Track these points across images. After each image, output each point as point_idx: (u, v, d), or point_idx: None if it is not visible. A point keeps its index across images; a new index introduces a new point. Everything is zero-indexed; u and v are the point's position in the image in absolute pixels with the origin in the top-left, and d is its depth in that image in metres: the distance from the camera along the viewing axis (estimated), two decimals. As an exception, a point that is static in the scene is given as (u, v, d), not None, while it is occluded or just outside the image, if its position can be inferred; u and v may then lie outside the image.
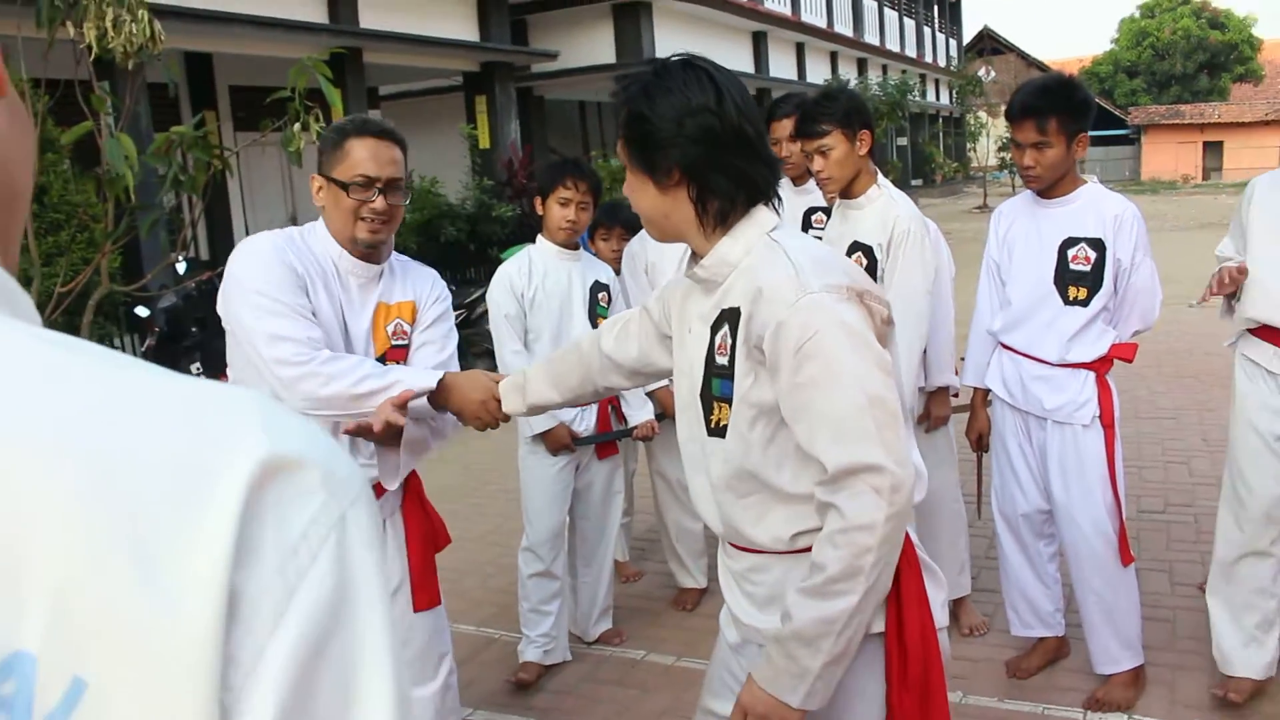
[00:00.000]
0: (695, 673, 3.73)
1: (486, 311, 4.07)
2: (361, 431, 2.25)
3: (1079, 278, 3.30)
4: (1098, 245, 3.27)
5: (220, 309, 2.39)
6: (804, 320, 1.66)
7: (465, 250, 12.08)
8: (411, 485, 2.69)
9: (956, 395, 3.98)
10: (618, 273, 4.21)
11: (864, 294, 1.73)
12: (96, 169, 5.80)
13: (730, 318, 1.79)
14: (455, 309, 8.50)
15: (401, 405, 2.24)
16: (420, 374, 2.35)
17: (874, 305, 1.74)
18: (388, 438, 2.29)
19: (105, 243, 6.03)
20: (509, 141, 13.59)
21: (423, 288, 2.62)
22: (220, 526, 0.46)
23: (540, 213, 3.84)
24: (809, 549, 1.75)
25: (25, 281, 6.09)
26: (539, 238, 3.89)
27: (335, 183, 2.38)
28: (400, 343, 2.53)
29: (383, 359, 2.48)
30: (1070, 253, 3.31)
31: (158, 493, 0.46)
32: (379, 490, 2.51)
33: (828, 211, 4.13)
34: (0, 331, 0.50)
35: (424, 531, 2.68)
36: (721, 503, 1.86)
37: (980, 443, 3.74)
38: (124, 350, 7.84)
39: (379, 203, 2.39)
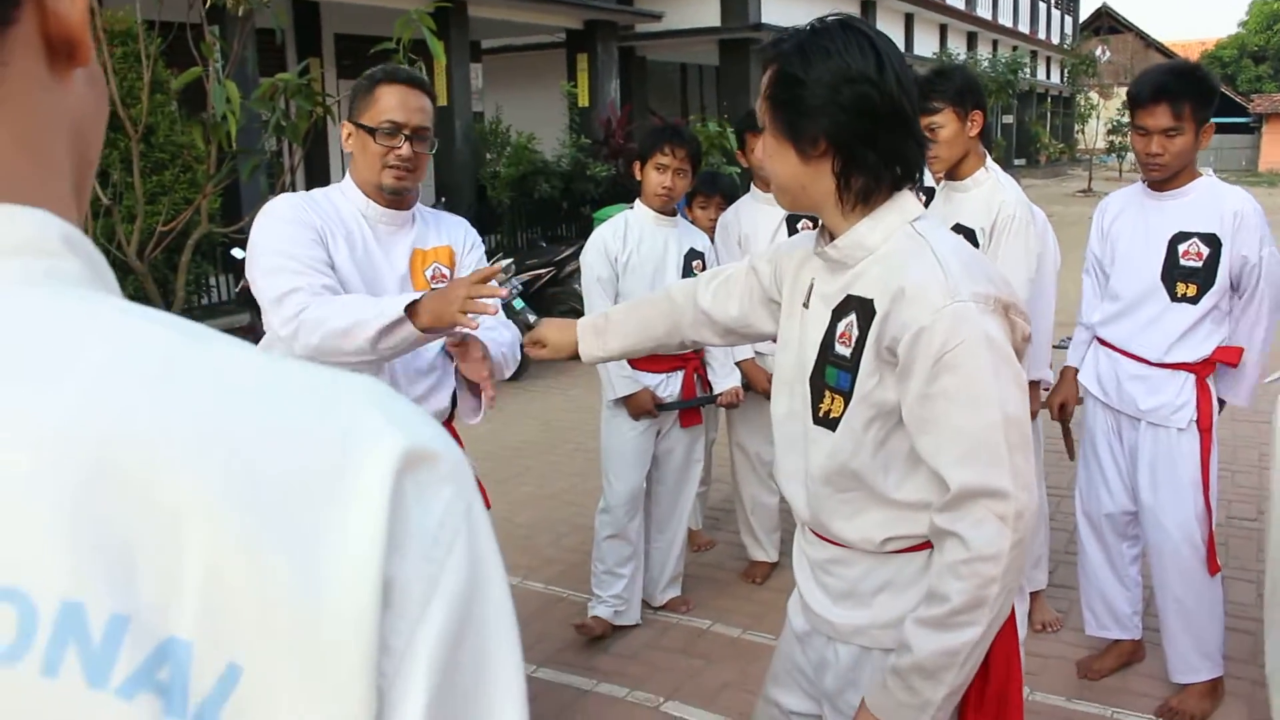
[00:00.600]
0: (761, 646, 3.73)
1: (576, 270, 4.10)
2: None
3: (1189, 274, 3.18)
4: (1211, 241, 3.14)
5: (247, 276, 2.43)
6: (948, 328, 1.56)
7: (558, 207, 12.13)
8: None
9: (1049, 390, 3.89)
10: (712, 241, 4.19)
11: (1010, 307, 1.63)
12: (202, 113, 5.93)
13: (860, 309, 1.68)
14: (544, 266, 8.60)
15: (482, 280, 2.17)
16: (389, 302, 2.24)
17: (1017, 320, 1.65)
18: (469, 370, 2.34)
19: (207, 184, 6.16)
20: (608, 101, 13.56)
21: (457, 234, 2.66)
22: (370, 515, 0.47)
23: (638, 177, 3.83)
24: (896, 552, 1.72)
25: (129, 218, 6.26)
26: (636, 202, 3.88)
27: (363, 128, 2.42)
28: (440, 285, 2.51)
29: None
30: (1181, 248, 3.18)
31: (301, 483, 0.47)
32: None
33: (813, 217, 4.05)
34: (110, 315, 0.51)
35: None
36: (815, 493, 1.80)
37: (1063, 411, 3.63)
38: (219, 289, 8.04)
39: (405, 149, 2.42)
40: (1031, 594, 3.84)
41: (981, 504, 1.57)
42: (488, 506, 2.54)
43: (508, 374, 2.55)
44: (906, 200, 1.72)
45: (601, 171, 12.09)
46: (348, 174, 2.54)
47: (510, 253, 9.87)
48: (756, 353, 4.16)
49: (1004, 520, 1.56)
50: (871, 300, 1.66)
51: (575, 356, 2.25)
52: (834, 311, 1.74)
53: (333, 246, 2.40)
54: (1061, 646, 3.74)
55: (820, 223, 1.80)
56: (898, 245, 1.68)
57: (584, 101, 13.60)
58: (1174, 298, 3.20)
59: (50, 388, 0.46)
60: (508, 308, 2.39)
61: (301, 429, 0.49)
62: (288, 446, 0.48)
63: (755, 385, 4.09)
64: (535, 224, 11.93)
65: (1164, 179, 3.20)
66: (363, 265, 2.46)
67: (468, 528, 0.51)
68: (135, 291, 6.56)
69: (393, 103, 2.41)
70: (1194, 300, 3.17)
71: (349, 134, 2.48)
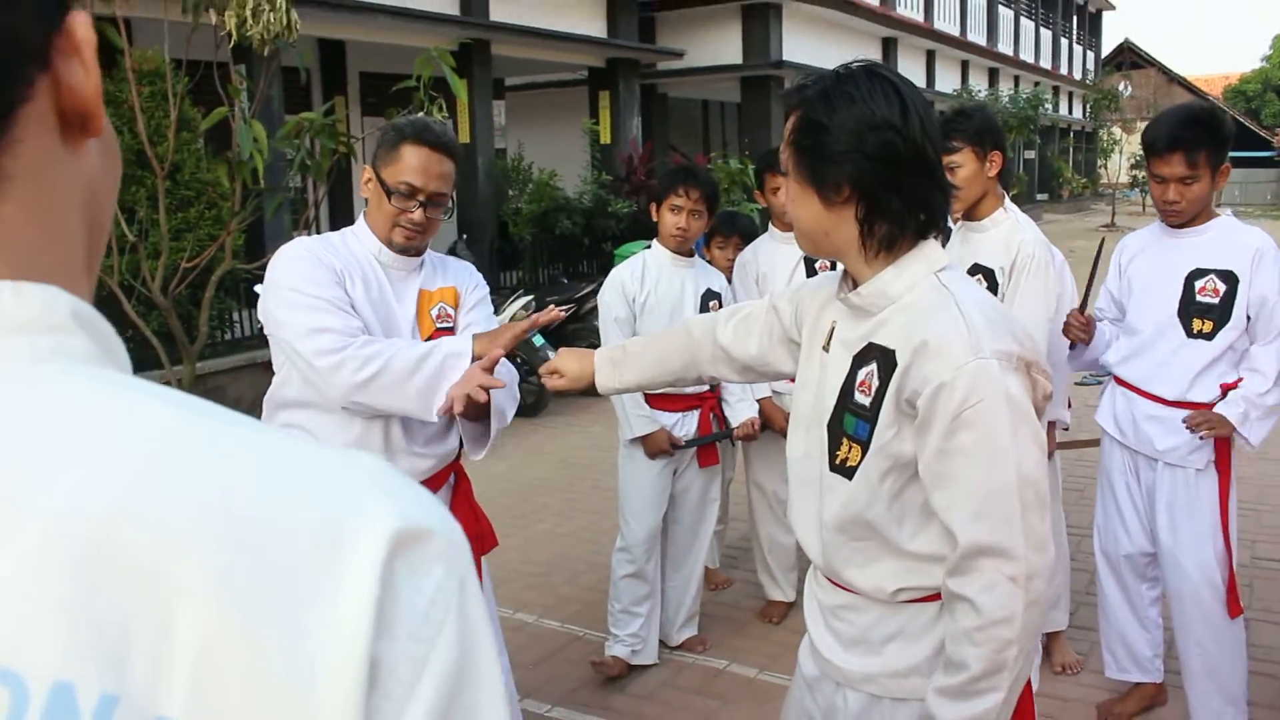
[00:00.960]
0: (777, 687, 3.70)
1: (596, 307, 4.12)
2: (460, 408, 2.32)
3: (1205, 310, 3.16)
4: (1228, 278, 3.13)
5: (260, 315, 2.47)
6: (969, 385, 1.55)
7: (579, 244, 12.18)
8: (460, 486, 2.75)
9: (1067, 429, 3.88)
10: (730, 281, 4.20)
11: (1032, 365, 1.62)
12: (228, 152, 6.01)
13: (882, 359, 1.67)
14: (565, 303, 8.66)
15: (489, 368, 2.31)
16: (455, 340, 2.42)
17: (1039, 378, 1.64)
18: (472, 410, 2.36)
19: (231, 221, 6.24)
20: (630, 138, 13.65)
21: (463, 276, 2.69)
22: (359, 596, 0.47)
23: (655, 218, 3.85)
24: (908, 601, 1.71)
25: (154, 254, 6.33)
26: (654, 242, 3.90)
27: (382, 184, 2.45)
28: (445, 325, 2.58)
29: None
30: (1198, 284, 3.17)
31: (295, 563, 0.47)
32: (433, 487, 2.58)
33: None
34: (116, 392, 0.51)
35: (473, 534, 2.72)
36: (828, 540, 1.79)
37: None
38: (242, 324, 8.11)
39: (417, 214, 2.44)
40: (1051, 635, 3.81)
41: (991, 564, 1.56)
42: (494, 545, 2.57)
43: (508, 417, 2.58)
44: (931, 249, 1.71)
45: (623, 208, 12.15)
46: (362, 217, 2.57)
47: (531, 289, 9.91)
48: (774, 391, 4.16)
49: (1015, 582, 1.55)
50: (894, 351, 1.65)
51: (593, 387, 2.26)
52: (855, 358, 1.73)
53: (350, 286, 2.43)
54: (1081, 689, 3.70)
55: (843, 268, 1.80)
56: (922, 296, 1.67)
57: (606, 138, 13.68)
58: (1190, 333, 3.18)
59: (55, 468, 0.47)
60: (526, 344, 2.44)
61: (301, 510, 0.49)
62: (286, 528, 0.48)
63: (772, 424, 4.08)
64: (556, 260, 11.98)
65: (1181, 223, 3.20)
66: (378, 306, 2.49)
67: (459, 606, 0.51)
68: (159, 327, 6.63)
69: (414, 164, 2.42)
70: (1209, 336, 3.16)
71: (368, 179, 2.50)
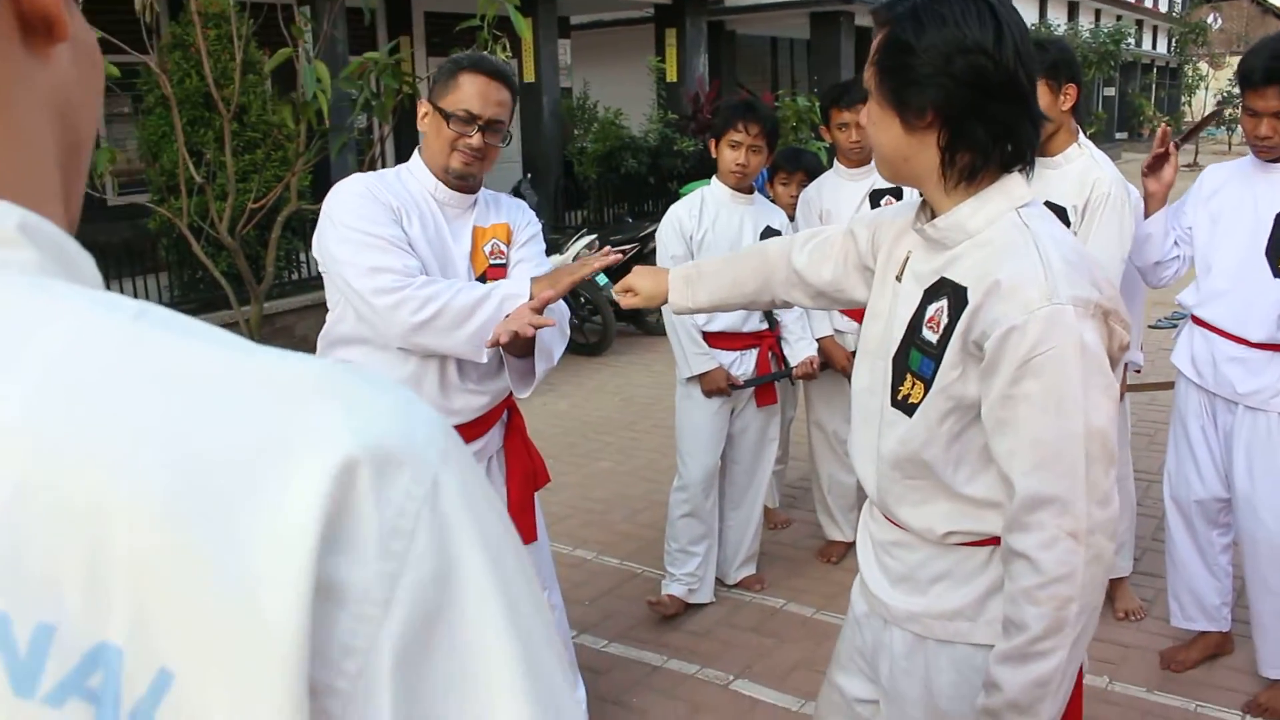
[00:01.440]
0: (833, 627, 3.70)
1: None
2: (504, 348, 2.36)
3: None
4: None
5: (315, 250, 2.48)
6: (1041, 331, 1.48)
7: (645, 183, 12.11)
8: (514, 422, 2.78)
9: (1139, 372, 3.78)
10: (793, 219, 4.14)
11: (1110, 314, 1.54)
12: (292, 93, 6.05)
13: (953, 294, 1.60)
14: (630, 241, 8.65)
15: (540, 309, 2.32)
16: (513, 281, 2.46)
17: (1116, 327, 1.55)
18: (518, 347, 2.39)
19: (297, 162, 6.28)
20: (696, 76, 13.48)
21: (515, 213, 2.71)
22: (304, 516, 0.45)
23: (714, 155, 3.79)
24: (958, 545, 1.68)
25: (221, 196, 6.42)
26: (713, 179, 3.85)
27: (440, 111, 2.46)
28: (498, 261, 2.61)
29: (483, 278, 2.56)
30: None
31: (239, 482, 0.45)
32: (481, 428, 2.61)
33: (896, 194, 3.96)
34: (66, 306, 0.49)
35: (525, 470, 2.76)
36: (884, 475, 1.75)
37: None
38: (309, 264, 8.21)
39: (476, 139, 2.46)
40: (1115, 580, 3.74)
41: (1051, 518, 1.50)
42: (546, 481, 2.60)
43: (555, 357, 2.60)
44: (1015, 183, 1.63)
45: (689, 147, 12.04)
46: (416, 154, 2.58)
47: (596, 228, 9.88)
48: (836, 330, 4.11)
49: (1075, 537, 1.49)
50: (965, 289, 1.58)
51: (664, 304, 2.23)
52: (926, 292, 1.67)
53: (407, 224, 2.44)
54: (1144, 636, 3.64)
55: (921, 198, 1.74)
56: (1000, 233, 1.59)
57: (672, 77, 13.54)
58: (1276, 273, 3.06)
59: None
60: (591, 284, 2.43)
61: (249, 423, 0.47)
62: (231, 442, 0.46)
63: (834, 363, 4.04)
64: (621, 200, 11.94)
65: (1275, 158, 3.07)
66: (434, 244, 2.50)
67: (432, 513, 0.48)
68: (228, 267, 6.73)
69: (472, 91, 2.44)
70: None
71: (425, 114, 2.51)
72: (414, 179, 2.54)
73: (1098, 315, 1.52)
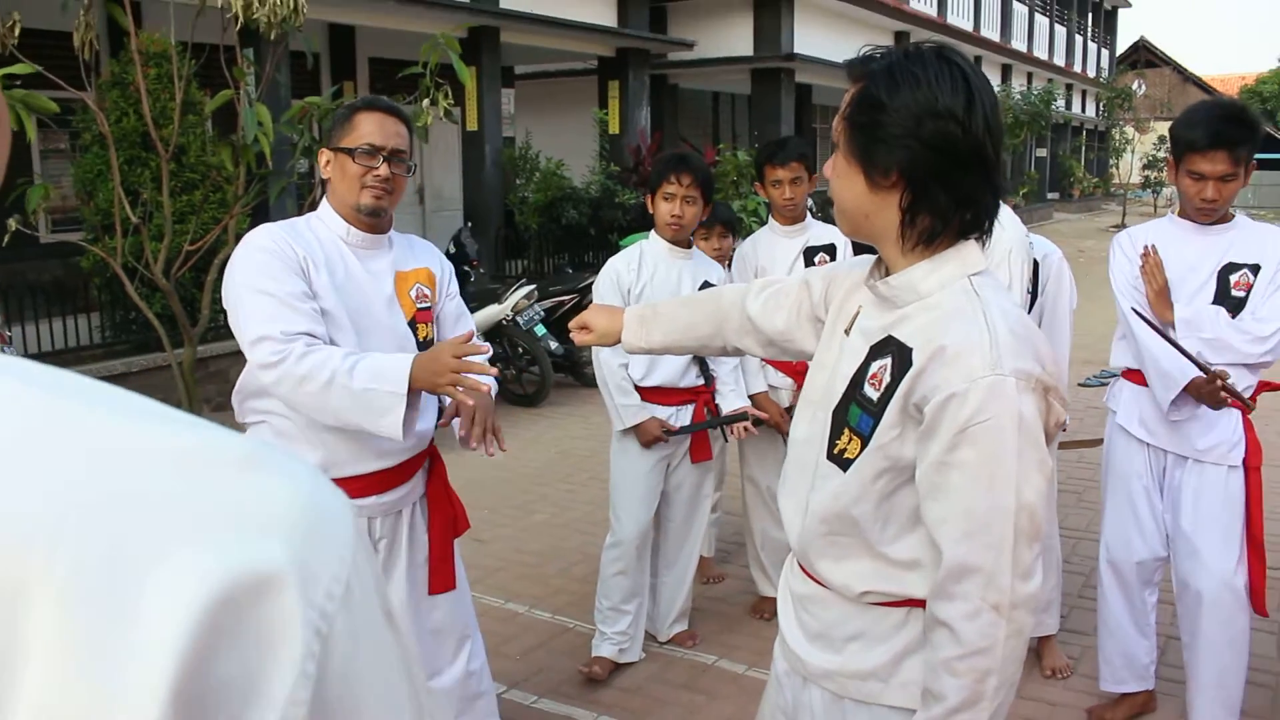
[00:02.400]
0: (764, 683, 3.68)
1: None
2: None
3: (1239, 304, 3.14)
4: (1256, 271, 3.13)
5: (225, 305, 2.49)
6: (981, 400, 1.49)
7: (585, 234, 12.17)
8: (436, 469, 2.78)
9: (1064, 429, 3.85)
10: (729, 270, 4.18)
11: (1050, 389, 1.55)
12: (233, 135, 6.01)
13: (898, 354, 1.61)
14: (568, 293, 8.63)
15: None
16: (395, 372, 2.33)
17: (1055, 404, 1.56)
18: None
19: (235, 205, 6.23)
20: (638, 128, 13.62)
21: (431, 258, 2.76)
22: (203, 591, 0.44)
23: (651, 210, 3.83)
24: (873, 605, 1.69)
25: (158, 236, 6.34)
26: (651, 233, 3.88)
27: (343, 151, 2.51)
28: (424, 305, 2.66)
29: (413, 323, 2.61)
30: (1232, 278, 3.15)
31: (142, 553, 0.45)
32: (405, 473, 2.63)
33: (830, 251, 4.06)
34: None
35: (447, 517, 2.77)
36: (809, 528, 1.76)
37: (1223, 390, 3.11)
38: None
39: (383, 169, 2.52)
40: (1042, 639, 3.79)
41: (975, 589, 1.51)
42: (465, 528, 2.60)
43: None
44: (970, 250, 1.64)
45: (630, 199, 12.13)
46: (324, 202, 2.61)
47: (535, 278, 9.90)
48: (770, 386, 4.15)
49: (998, 610, 1.50)
50: (911, 349, 1.59)
51: (616, 343, 2.23)
52: (872, 349, 1.67)
53: (314, 274, 2.44)
54: (1071, 694, 3.68)
55: (877, 255, 1.74)
56: (950, 298, 1.60)
57: (615, 129, 13.67)
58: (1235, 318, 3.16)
59: None
60: (529, 334, 2.46)
61: (157, 505, 0.46)
62: (138, 525, 0.45)
63: (768, 419, 4.07)
64: (562, 250, 11.98)
65: (1213, 220, 3.18)
66: (345, 290, 2.50)
67: (345, 608, 0.49)
68: (161, 309, 6.63)
69: (371, 127, 2.51)
70: None
71: (327, 161, 2.57)
72: (324, 226, 2.57)
73: (1038, 390, 1.53)
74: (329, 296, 2.45)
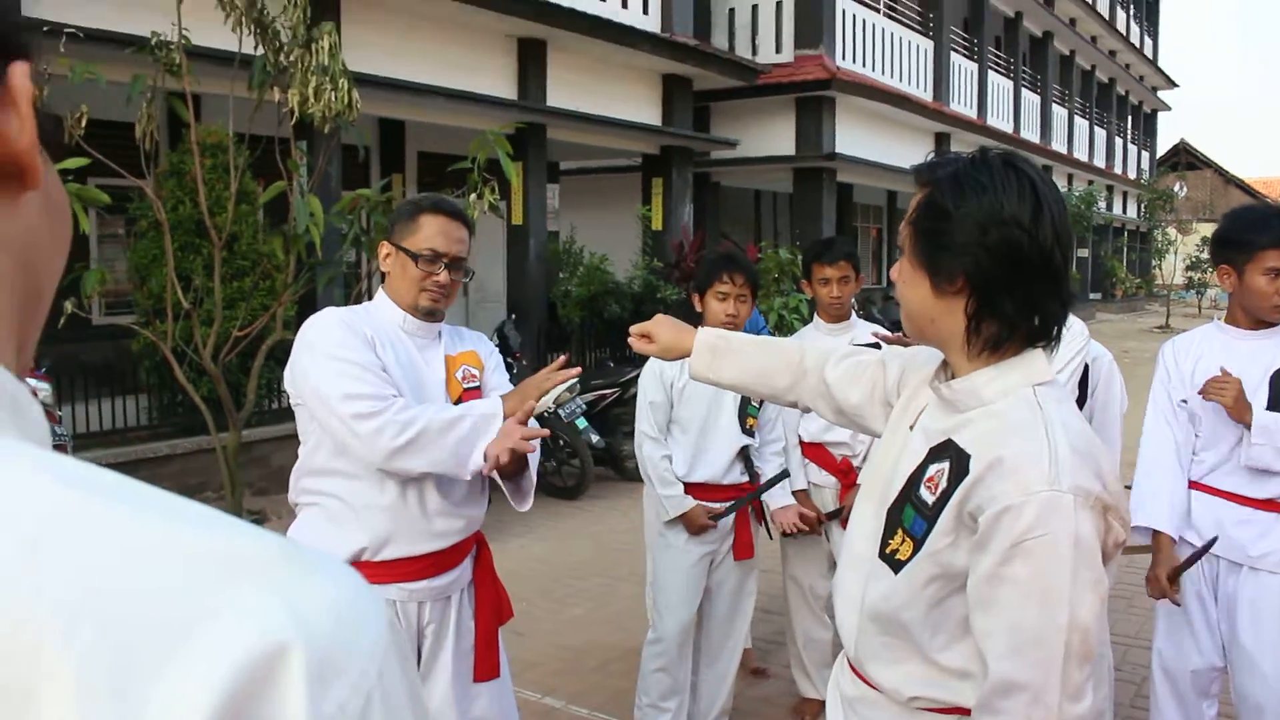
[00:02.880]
0: (808, 791, 3.59)
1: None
2: (498, 467, 2.43)
3: None
4: None
5: (288, 382, 2.54)
6: (1036, 515, 1.46)
7: (627, 328, 12.22)
8: (483, 556, 2.79)
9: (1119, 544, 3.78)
10: None
11: (1110, 509, 1.51)
12: (284, 225, 6.14)
13: (956, 459, 1.59)
14: (610, 386, 8.64)
15: (524, 421, 2.41)
16: (486, 402, 2.54)
17: (1115, 523, 1.52)
18: (509, 466, 2.45)
19: (284, 293, 6.34)
20: (681, 225, 13.77)
21: (479, 343, 2.84)
22: (210, 692, 0.43)
23: (698, 309, 3.83)
24: (923, 709, 1.65)
25: (206, 321, 6.44)
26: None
27: (406, 252, 2.56)
28: (471, 385, 2.70)
29: (459, 403, 2.63)
30: None
31: (150, 664, 0.43)
32: (456, 557, 2.65)
33: (875, 348, 4.05)
34: (13, 465, 0.48)
35: (493, 603, 2.76)
36: (863, 628, 1.73)
37: (1173, 585, 3.26)
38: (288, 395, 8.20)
39: (443, 276, 2.58)
40: (1095, 750, 3.66)
41: (1021, 706, 1.47)
42: (510, 616, 2.60)
43: (527, 503, 2.67)
44: (1036, 359, 1.62)
45: (672, 294, 12.21)
46: (381, 291, 2.67)
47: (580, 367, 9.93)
48: (812, 484, 4.12)
49: None
50: (970, 456, 1.57)
51: (678, 358, 2.19)
52: (931, 451, 1.65)
53: (382, 352, 2.51)
54: (1126, 809, 3.54)
55: (942, 358, 1.73)
56: (1013, 407, 1.58)
57: (657, 224, 13.82)
58: None
59: None
60: (571, 427, 2.50)
61: (173, 602, 0.45)
62: (153, 620, 0.44)
63: (806, 526, 4.03)
64: (604, 344, 12.04)
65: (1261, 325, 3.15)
66: (407, 370, 2.56)
67: None
68: (209, 393, 6.71)
69: (434, 231, 2.57)
70: None
71: (387, 254, 2.62)
72: (382, 313, 2.63)
73: (1097, 508, 1.49)
74: (394, 372, 2.50)
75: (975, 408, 1.62)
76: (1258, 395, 3.12)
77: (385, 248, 2.62)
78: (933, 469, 1.63)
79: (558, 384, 2.51)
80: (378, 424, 2.35)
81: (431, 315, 2.63)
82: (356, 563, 2.49)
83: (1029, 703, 1.46)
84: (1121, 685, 4.24)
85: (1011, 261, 1.54)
